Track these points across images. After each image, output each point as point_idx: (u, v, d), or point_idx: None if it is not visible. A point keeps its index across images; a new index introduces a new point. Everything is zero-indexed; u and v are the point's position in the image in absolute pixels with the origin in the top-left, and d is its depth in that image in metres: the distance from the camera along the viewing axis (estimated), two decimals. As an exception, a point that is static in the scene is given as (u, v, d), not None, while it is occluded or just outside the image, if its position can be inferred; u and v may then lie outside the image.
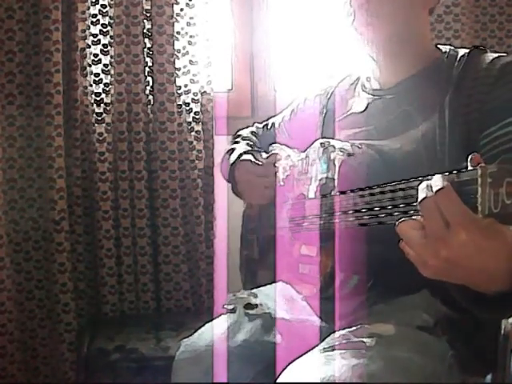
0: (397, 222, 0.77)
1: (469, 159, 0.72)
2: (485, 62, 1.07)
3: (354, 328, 1.04)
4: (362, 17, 1.13)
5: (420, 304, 1.08)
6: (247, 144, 1.48)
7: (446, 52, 1.16)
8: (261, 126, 1.59)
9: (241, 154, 1.37)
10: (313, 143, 1.23)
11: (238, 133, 1.58)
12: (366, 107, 1.22)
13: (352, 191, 1.00)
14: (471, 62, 1.09)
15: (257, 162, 1.34)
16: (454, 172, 0.73)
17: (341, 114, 1.28)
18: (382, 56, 1.17)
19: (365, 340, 1.00)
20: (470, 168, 0.71)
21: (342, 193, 1.04)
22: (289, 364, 1.02)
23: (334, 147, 1.13)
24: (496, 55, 1.08)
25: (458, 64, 1.11)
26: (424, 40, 1.19)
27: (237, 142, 1.50)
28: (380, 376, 0.95)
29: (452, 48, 1.17)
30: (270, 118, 1.58)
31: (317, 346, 1.06)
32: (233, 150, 1.42)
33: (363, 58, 1.21)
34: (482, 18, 2.14)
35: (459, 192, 0.72)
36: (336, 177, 1.09)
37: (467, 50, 1.13)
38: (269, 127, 1.55)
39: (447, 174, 0.74)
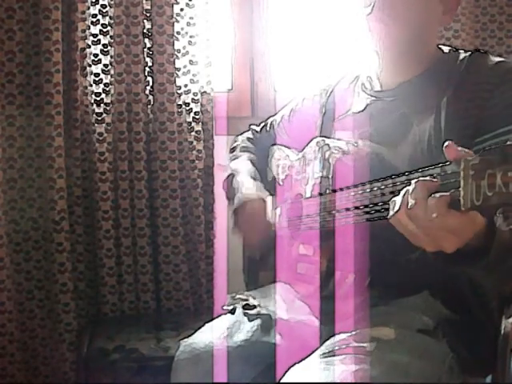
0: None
1: (444, 146, 0.74)
2: (486, 66, 1.06)
3: (354, 332, 1.04)
4: (378, 14, 1.10)
5: (420, 306, 1.08)
6: (248, 159, 1.48)
7: (447, 53, 1.15)
8: (258, 128, 1.57)
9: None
10: (309, 142, 1.23)
11: (235, 143, 1.56)
12: (365, 108, 1.21)
13: (342, 189, 1.01)
14: (472, 66, 1.08)
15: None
16: (439, 165, 0.77)
17: (340, 114, 1.27)
18: (388, 55, 1.15)
19: (365, 345, 1.00)
20: (448, 159, 0.74)
21: (336, 191, 1.04)
22: (289, 367, 1.02)
23: (329, 146, 1.12)
24: (497, 60, 1.07)
25: (459, 66, 1.10)
26: (430, 42, 1.18)
27: (235, 157, 1.49)
28: (380, 381, 0.95)
29: (453, 49, 1.16)
30: (268, 118, 1.57)
31: (317, 349, 1.05)
32: (234, 173, 1.41)
33: (365, 55, 1.21)
34: (482, 18, 2.14)
35: (443, 185, 0.74)
36: (331, 176, 1.09)
37: (468, 53, 1.12)
38: (268, 128, 1.54)
39: (432, 167, 0.78)
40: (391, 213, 0.80)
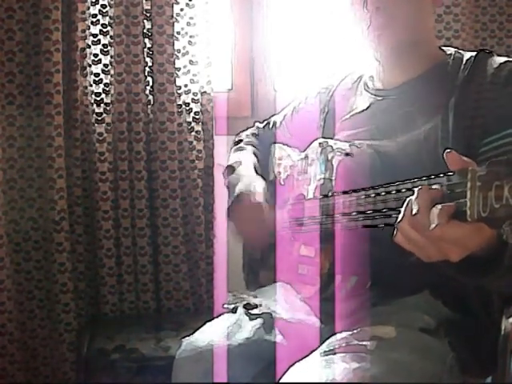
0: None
1: (445, 154, 0.73)
2: (491, 66, 1.06)
3: (355, 331, 1.04)
4: (379, 20, 1.10)
5: (421, 305, 1.08)
6: (252, 152, 1.46)
7: (451, 54, 1.15)
8: (262, 125, 1.57)
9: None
10: (312, 143, 1.22)
11: (240, 137, 1.55)
12: (369, 107, 1.21)
13: (348, 192, 1.01)
14: (477, 66, 1.08)
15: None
16: (442, 175, 0.76)
17: (343, 114, 1.27)
18: (390, 59, 1.16)
19: (366, 343, 1.00)
20: (451, 169, 0.74)
21: (340, 193, 1.04)
22: (290, 366, 1.02)
23: (332, 147, 1.12)
24: (503, 60, 1.07)
25: (464, 67, 1.10)
26: (430, 41, 1.18)
27: (239, 148, 1.49)
28: (381, 379, 0.95)
29: (457, 50, 1.16)
30: (272, 116, 1.57)
31: (317, 348, 1.05)
32: (238, 162, 1.40)
33: (366, 57, 1.21)
34: (482, 18, 2.14)
35: (448, 195, 0.73)
36: (334, 177, 1.09)
37: (473, 53, 1.11)
38: (270, 126, 1.53)
39: (434, 176, 0.78)
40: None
